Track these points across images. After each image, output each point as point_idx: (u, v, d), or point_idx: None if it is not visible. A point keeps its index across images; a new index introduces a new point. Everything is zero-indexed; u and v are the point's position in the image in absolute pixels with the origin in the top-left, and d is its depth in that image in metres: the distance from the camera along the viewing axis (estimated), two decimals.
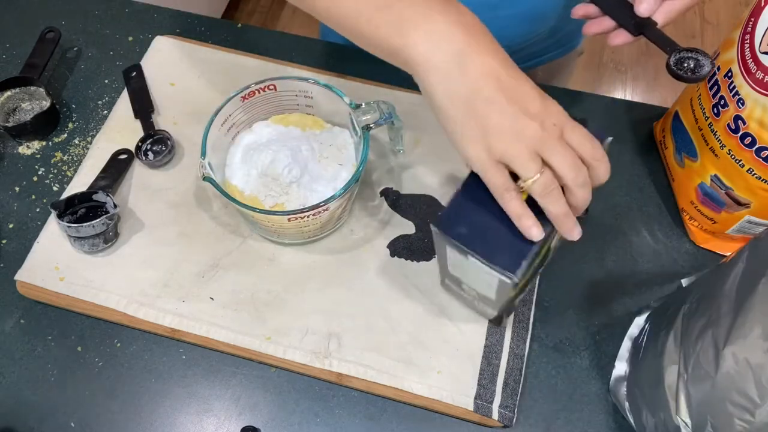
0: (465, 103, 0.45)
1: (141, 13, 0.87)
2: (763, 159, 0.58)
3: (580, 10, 0.60)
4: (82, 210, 0.69)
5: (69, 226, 0.64)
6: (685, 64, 0.54)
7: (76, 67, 0.83)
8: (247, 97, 0.66)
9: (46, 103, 0.76)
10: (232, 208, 0.70)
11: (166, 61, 0.81)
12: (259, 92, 0.66)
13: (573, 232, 0.48)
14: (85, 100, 0.80)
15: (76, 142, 0.77)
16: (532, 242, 0.49)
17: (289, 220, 0.60)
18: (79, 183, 0.71)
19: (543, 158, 0.46)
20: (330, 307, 0.65)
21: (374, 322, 0.65)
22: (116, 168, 0.72)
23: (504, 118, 0.45)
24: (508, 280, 0.48)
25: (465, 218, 0.49)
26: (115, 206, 0.67)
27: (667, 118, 0.74)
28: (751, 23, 0.57)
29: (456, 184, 0.52)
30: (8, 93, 0.77)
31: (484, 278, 0.52)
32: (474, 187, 0.50)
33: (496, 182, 0.47)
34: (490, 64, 0.46)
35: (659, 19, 0.56)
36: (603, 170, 0.48)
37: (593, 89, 1.96)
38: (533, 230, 0.47)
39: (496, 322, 0.64)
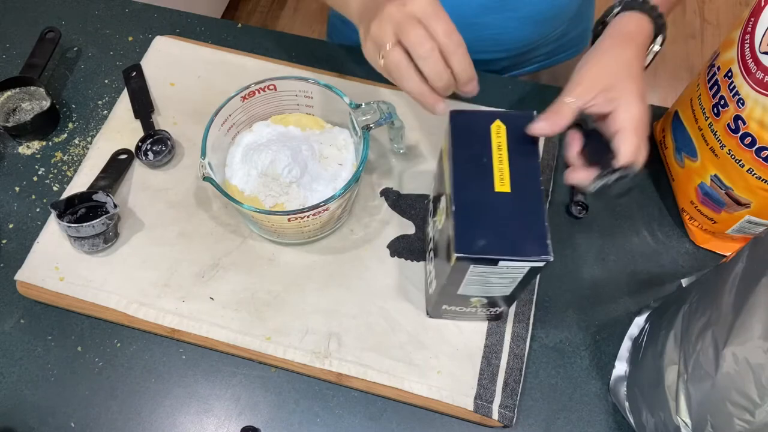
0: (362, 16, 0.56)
1: (141, 13, 0.87)
2: (763, 159, 0.58)
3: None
4: (82, 210, 0.69)
5: (69, 226, 0.64)
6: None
7: (76, 67, 0.83)
8: (247, 97, 0.66)
9: (46, 103, 0.76)
10: (232, 208, 0.70)
11: (166, 61, 0.81)
12: (259, 92, 0.66)
13: (435, 107, 0.54)
14: (85, 100, 0.80)
15: (76, 142, 0.77)
16: (543, 220, 0.50)
17: (289, 220, 0.60)
18: (79, 183, 0.71)
19: (400, 39, 0.52)
20: (330, 307, 0.65)
21: (374, 322, 0.65)
22: (116, 168, 0.72)
23: (374, 11, 0.53)
24: (542, 264, 0.49)
25: (475, 232, 0.50)
26: (115, 206, 0.67)
27: (667, 118, 0.74)
28: (751, 23, 0.57)
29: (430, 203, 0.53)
30: (8, 93, 0.77)
31: (510, 276, 0.52)
32: (460, 199, 0.51)
33: (374, 63, 0.54)
34: None
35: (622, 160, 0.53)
36: (456, 59, 0.52)
37: None
38: (439, 105, 0.53)
39: (498, 318, 0.64)
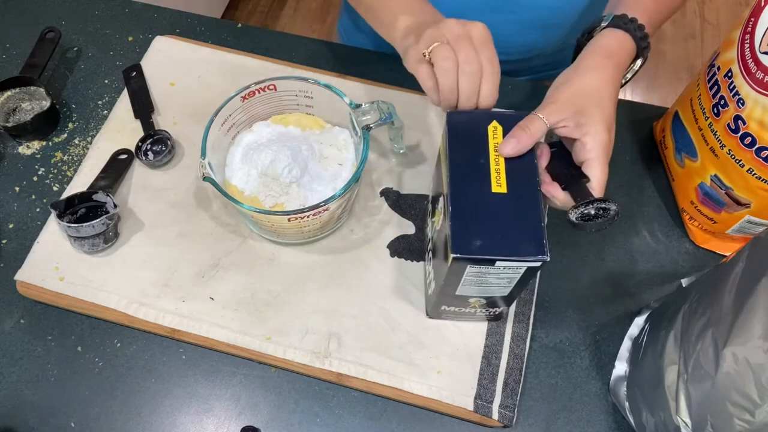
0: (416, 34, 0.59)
1: (141, 13, 0.87)
2: (763, 159, 0.58)
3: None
4: (82, 210, 0.69)
5: (69, 226, 0.64)
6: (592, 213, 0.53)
7: (76, 67, 0.83)
8: (247, 97, 0.66)
9: (46, 103, 0.76)
10: (232, 208, 0.70)
11: (166, 61, 0.81)
12: (259, 92, 0.66)
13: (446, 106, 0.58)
14: (85, 100, 0.80)
15: (76, 142, 0.77)
16: (540, 220, 0.50)
17: (289, 220, 0.60)
18: (79, 183, 0.71)
19: (454, 49, 0.55)
20: (330, 307, 0.65)
21: (374, 322, 0.65)
22: (116, 168, 0.72)
23: (431, 24, 0.57)
24: (538, 264, 0.49)
25: (472, 232, 0.50)
26: (115, 206, 0.67)
27: (667, 118, 0.74)
28: (751, 23, 0.57)
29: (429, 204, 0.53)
30: (8, 93, 0.77)
31: (508, 276, 0.52)
32: (457, 200, 0.51)
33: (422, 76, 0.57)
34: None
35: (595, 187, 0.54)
36: (487, 84, 0.55)
37: None
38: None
39: (498, 318, 0.64)
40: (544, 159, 0.55)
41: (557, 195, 0.54)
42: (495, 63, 0.56)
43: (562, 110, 0.54)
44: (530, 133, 0.53)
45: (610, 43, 0.59)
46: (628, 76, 0.61)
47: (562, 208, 0.54)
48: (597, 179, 0.53)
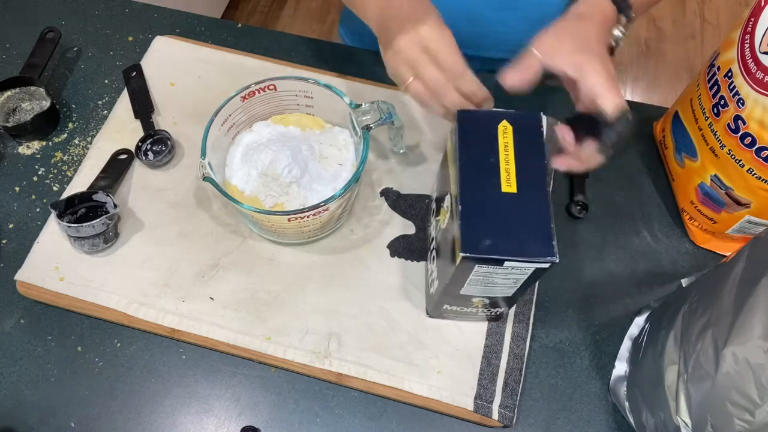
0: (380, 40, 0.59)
1: (141, 13, 0.87)
2: (763, 159, 0.58)
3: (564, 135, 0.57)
4: (82, 210, 0.69)
5: (69, 226, 0.64)
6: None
7: (76, 67, 0.83)
8: (247, 97, 0.66)
9: (46, 103, 0.76)
10: (232, 208, 0.70)
11: (166, 61, 0.81)
12: (259, 92, 0.66)
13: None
14: (85, 100, 0.80)
15: (76, 142, 0.77)
16: (549, 221, 0.50)
17: (289, 220, 0.60)
18: (79, 183, 0.71)
19: (417, 75, 0.56)
20: (330, 307, 0.65)
21: (374, 322, 0.65)
22: (116, 168, 0.72)
23: (389, 35, 0.57)
24: (547, 265, 0.49)
25: (481, 232, 0.50)
26: (115, 206, 0.67)
27: (667, 118, 0.75)
28: (751, 23, 0.57)
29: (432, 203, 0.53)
30: (8, 93, 0.77)
31: (514, 277, 0.52)
32: (467, 199, 0.51)
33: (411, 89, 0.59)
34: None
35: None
36: (464, 85, 0.56)
37: None
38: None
39: (498, 318, 0.64)
40: (567, 135, 0.55)
41: (572, 163, 0.55)
42: (458, 64, 0.56)
43: (554, 47, 0.54)
44: (530, 67, 0.53)
45: (586, 7, 0.58)
46: (611, 42, 0.60)
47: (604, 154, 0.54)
48: (611, 109, 0.52)
